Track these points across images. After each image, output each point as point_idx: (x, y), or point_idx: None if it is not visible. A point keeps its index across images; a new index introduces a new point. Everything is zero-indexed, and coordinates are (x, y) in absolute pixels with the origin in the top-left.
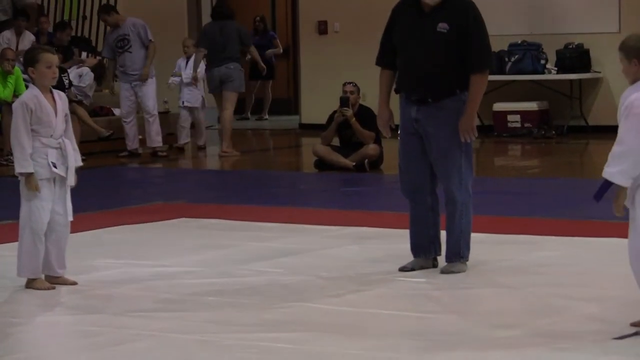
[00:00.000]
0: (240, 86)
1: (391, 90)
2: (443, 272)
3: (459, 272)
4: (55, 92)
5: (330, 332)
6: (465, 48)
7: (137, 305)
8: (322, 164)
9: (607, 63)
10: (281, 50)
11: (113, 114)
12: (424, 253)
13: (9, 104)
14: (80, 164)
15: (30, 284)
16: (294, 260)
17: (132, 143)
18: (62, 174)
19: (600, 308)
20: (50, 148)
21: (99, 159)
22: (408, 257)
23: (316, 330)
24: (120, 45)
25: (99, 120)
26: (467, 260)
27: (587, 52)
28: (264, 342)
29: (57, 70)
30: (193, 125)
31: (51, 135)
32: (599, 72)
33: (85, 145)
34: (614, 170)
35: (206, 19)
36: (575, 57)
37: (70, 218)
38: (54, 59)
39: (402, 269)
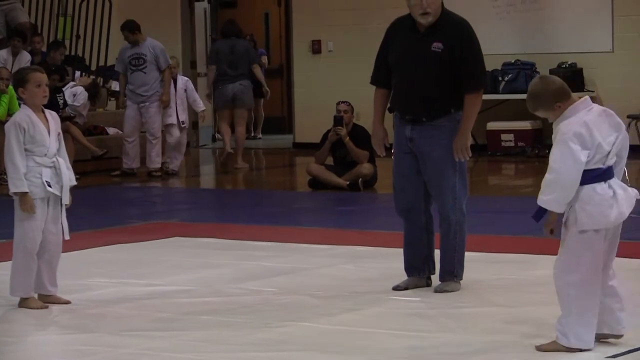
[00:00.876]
0: (251, 103)
1: (385, 109)
2: (437, 290)
3: (452, 291)
4: (47, 111)
5: (324, 352)
6: (459, 67)
7: (131, 324)
8: (316, 183)
9: (601, 82)
10: (266, 66)
11: (107, 133)
12: (417, 272)
13: (2, 123)
14: (75, 182)
15: (23, 303)
16: (288, 279)
17: (132, 162)
18: (57, 192)
19: None
20: (44, 167)
21: (92, 177)
22: (402, 276)
23: (310, 350)
24: (134, 64)
25: (93, 140)
26: (461, 279)
27: (580, 71)
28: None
29: (47, 89)
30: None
31: (45, 154)
32: (592, 91)
33: (79, 164)
34: (548, 198)
35: (200, 37)
36: (569, 76)
37: (67, 237)
38: (43, 77)
39: (396, 288)
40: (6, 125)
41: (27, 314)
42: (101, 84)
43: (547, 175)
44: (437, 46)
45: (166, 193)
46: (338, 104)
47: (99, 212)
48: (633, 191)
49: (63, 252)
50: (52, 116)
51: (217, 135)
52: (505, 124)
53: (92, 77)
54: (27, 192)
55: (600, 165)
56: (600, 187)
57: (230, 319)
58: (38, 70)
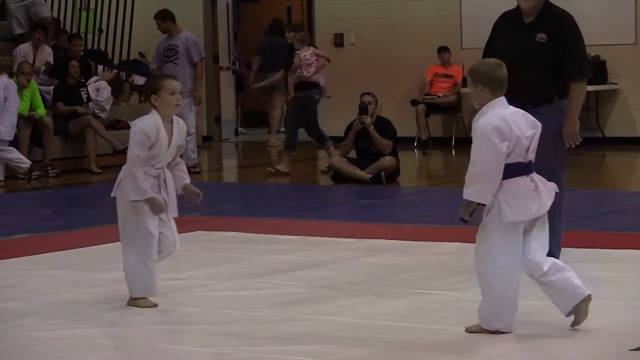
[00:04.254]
0: (282, 92)
1: None
2: None
3: None
4: (176, 120)
5: (348, 345)
6: (563, 57)
7: (153, 318)
8: (338, 176)
9: (624, 75)
10: None
11: (129, 127)
12: None
13: (25, 118)
14: (180, 192)
15: (135, 302)
16: (311, 273)
17: None
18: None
19: (614, 319)
20: (147, 176)
21: (115, 172)
22: (425, 270)
23: (332, 343)
24: (167, 55)
25: (115, 134)
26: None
27: (603, 63)
28: (280, 355)
29: (180, 97)
30: None
31: (153, 165)
32: (616, 84)
33: (102, 158)
34: (472, 191)
35: (222, 31)
36: (592, 69)
37: (178, 247)
38: (177, 85)
39: None
40: (132, 131)
41: (50, 307)
42: (124, 78)
43: (469, 169)
44: (541, 37)
45: None
46: (362, 95)
47: None
48: (551, 185)
49: (85, 246)
50: (179, 127)
51: (240, 129)
52: None
53: (114, 71)
54: (152, 197)
55: (521, 160)
56: (522, 180)
57: (252, 313)
58: (171, 77)
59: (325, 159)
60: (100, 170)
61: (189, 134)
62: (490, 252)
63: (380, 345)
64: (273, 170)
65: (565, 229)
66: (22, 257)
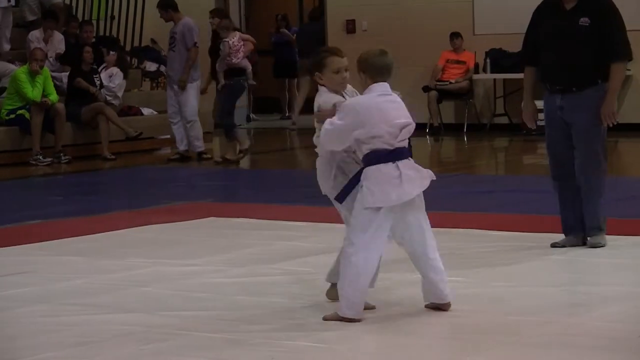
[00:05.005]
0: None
1: (534, 85)
2: (590, 246)
3: (603, 244)
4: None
5: (360, 331)
6: (604, 40)
7: (166, 304)
8: None
9: (638, 61)
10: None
11: (142, 114)
12: (573, 232)
13: (37, 105)
14: None
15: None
16: (323, 259)
17: (180, 145)
18: None
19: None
20: None
21: (127, 158)
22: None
23: (345, 329)
24: (170, 43)
25: (127, 120)
26: (605, 233)
27: None
28: (294, 341)
29: (347, 75)
30: None
31: None
32: (629, 70)
33: (114, 144)
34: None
35: (234, 17)
36: None
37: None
38: (343, 62)
39: (554, 245)
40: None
41: (63, 293)
42: (135, 64)
43: (325, 127)
44: (584, 21)
45: (200, 173)
46: None
47: (134, 193)
48: (427, 172)
49: (97, 232)
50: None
51: (252, 116)
52: (541, 103)
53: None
54: None
55: (387, 147)
56: (386, 167)
57: (265, 299)
58: (337, 54)
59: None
60: (113, 157)
61: (188, 121)
62: (350, 237)
63: (396, 332)
64: (221, 160)
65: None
66: (35, 244)
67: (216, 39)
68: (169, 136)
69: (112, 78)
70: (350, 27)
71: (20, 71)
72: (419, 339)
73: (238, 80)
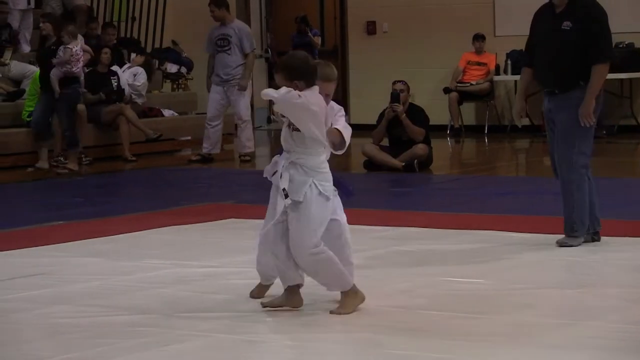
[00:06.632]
0: None
1: (528, 85)
2: (559, 244)
3: (572, 245)
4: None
5: (381, 334)
6: (587, 43)
7: (186, 305)
8: (371, 164)
9: None
10: (318, 47)
11: (162, 115)
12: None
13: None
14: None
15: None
16: None
17: (214, 147)
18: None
19: None
20: None
21: (148, 159)
22: (456, 258)
23: (365, 332)
24: (220, 44)
25: (148, 122)
26: (581, 235)
27: (637, 51)
28: (314, 342)
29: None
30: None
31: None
32: None
33: (135, 146)
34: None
35: (255, 19)
36: (626, 57)
37: None
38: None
39: (560, 243)
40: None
41: (81, 295)
42: (156, 65)
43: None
44: (566, 25)
45: (220, 175)
46: (394, 83)
47: (154, 194)
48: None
49: (117, 234)
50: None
51: (272, 117)
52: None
53: (143, 56)
54: None
55: None
56: None
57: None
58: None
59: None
60: (134, 158)
61: (243, 121)
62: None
63: (412, 333)
64: (67, 171)
65: (600, 217)
66: (54, 245)
67: (43, 44)
68: (189, 137)
69: (136, 77)
70: (371, 28)
71: None
72: (439, 340)
73: (75, 88)
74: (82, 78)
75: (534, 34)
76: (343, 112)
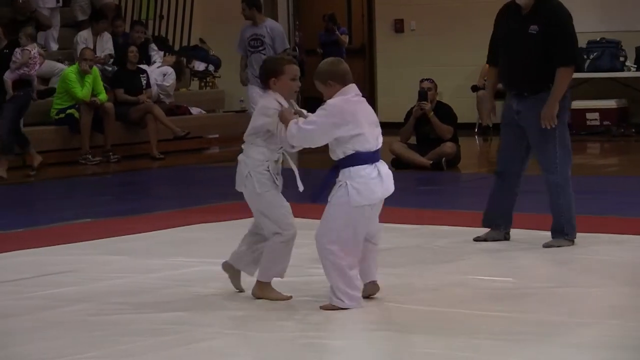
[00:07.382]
0: None
1: (497, 85)
2: (545, 246)
3: (559, 246)
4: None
5: (406, 332)
6: (552, 46)
7: (213, 303)
8: (399, 163)
9: None
10: (345, 44)
11: (190, 113)
12: (495, 225)
13: (87, 104)
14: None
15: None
16: None
17: None
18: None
19: None
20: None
21: (175, 157)
22: (484, 256)
23: (391, 330)
24: (253, 45)
25: (175, 120)
26: (574, 238)
27: None
28: (340, 340)
29: (299, 84)
30: None
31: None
32: None
33: (162, 144)
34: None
35: (282, 19)
36: None
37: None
38: (298, 71)
39: (477, 239)
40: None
41: (106, 292)
42: (184, 64)
43: (303, 126)
44: (533, 28)
45: None
46: (422, 81)
47: (181, 192)
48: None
49: (143, 232)
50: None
51: None
52: (590, 103)
53: (174, 56)
54: None
55: (368, 148)
56: (369, 168)
57: (312, 299)
58: (294, 63)
59: None
60: (161, 156)
61: None
62: (329, 231)
63: (436, 332)
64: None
65: (619, 215)
66: (82, 242)
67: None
68: (217, 135)
69: (165, 77)
70: (399, 26)
71: (70, 71)
72: (465, 339)
73: (28, 91)
74: (35, 83)
75: (498, 34)
76: (326, 108)
